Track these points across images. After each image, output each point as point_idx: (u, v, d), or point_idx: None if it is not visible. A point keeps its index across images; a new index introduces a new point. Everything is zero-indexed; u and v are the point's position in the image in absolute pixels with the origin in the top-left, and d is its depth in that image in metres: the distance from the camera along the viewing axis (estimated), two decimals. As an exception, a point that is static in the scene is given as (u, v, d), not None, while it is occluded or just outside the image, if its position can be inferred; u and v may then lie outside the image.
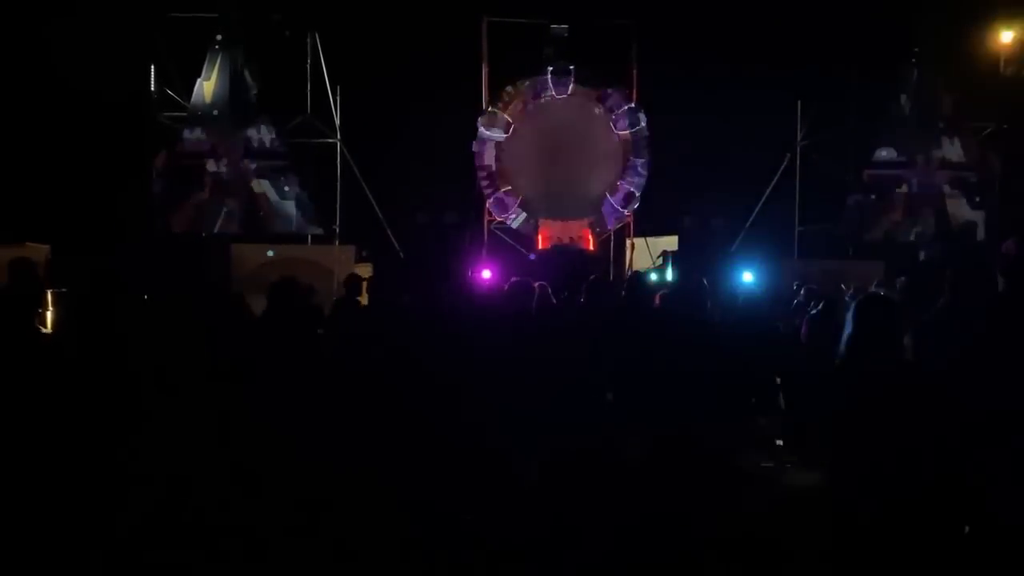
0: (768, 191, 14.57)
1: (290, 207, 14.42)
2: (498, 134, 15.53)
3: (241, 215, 14.37)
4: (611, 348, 4.52)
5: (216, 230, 14.26)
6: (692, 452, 4.09)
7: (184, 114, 14.32)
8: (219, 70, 14.25)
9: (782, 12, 13.57)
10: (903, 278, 10.34)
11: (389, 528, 4.29)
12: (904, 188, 14.77)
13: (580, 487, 4.25)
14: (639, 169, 15.55)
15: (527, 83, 15.56)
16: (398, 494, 4.37)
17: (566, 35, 15.21)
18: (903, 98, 14.81)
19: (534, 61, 15.49)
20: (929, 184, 14.75)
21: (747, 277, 10.89)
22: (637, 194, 15.50)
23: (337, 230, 14.28)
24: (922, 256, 14.21)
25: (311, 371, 4.60)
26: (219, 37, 14.22)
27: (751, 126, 13.68)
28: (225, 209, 14.35)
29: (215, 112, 14.28)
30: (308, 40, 14.11)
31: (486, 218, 15.47)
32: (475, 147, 15.48)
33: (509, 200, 15.49)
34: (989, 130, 14.73)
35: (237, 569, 3.99)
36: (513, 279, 5.22)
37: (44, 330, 5.10)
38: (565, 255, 14.59)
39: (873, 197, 14.79)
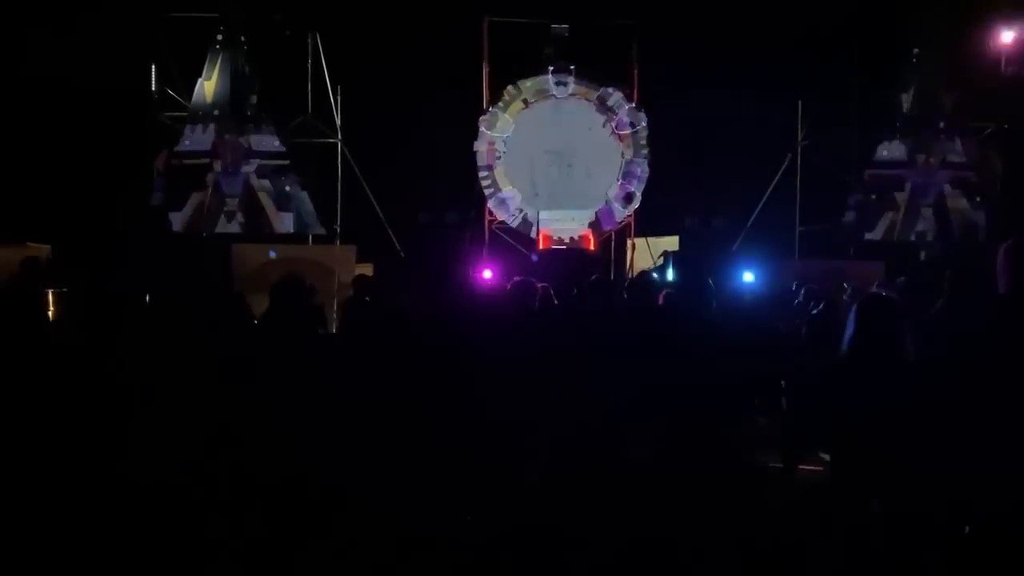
0: (769, 191, 14.56)
1: (291, 207, 14.41)
2: (499, 134, 15.54)
3: (242, 215, 14.37)
4: (616, 349, 4.52)
5: (217, 230, 14.25)
6: (697, 453, 4.09)
7: (185, 114, 14.32)
8: (220, 70, 14.25)
9: (782, 12, 13.57)
10: (902, 278, 10.34)
11: (389, 529, 4.29)
12: (905, 188, 14.76)
13: (584, 489, 4.25)
14: (640, 169, 15.57)
15: (528, 83, 15.57)
16: (399, 496, 4.37)
17: (567, 35, 15.22)
18: (904, 98, 14.81)
19: (535, 61, 15.50)
20: (930, 184, 14.74)
21: (748, 277, 10.90)
22: (638, 194, 15.52)
23: (338, 230, 14.28)
24: (922, 256, 14.20)
25: (314, 371, 4.60)
26: (220, 37, 14.22)
27: (752, 126, 13.68)
28: (226, 209, 14.35)
29: (216, 112, 14.27)
30: (309, 40, 14.12)
31: (487, 218, 15.48)
32: (476, 147, 15.49)
33: (510, 200, 15.50)
34: (990, 130, 14.73)
35: (236, 570, 4.00)
36: (516, 279, 5.22)
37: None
38: (566, 255, 14.61)
39: (874, 197, 14.79)
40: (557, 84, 15.50)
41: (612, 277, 13.86)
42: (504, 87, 15.55)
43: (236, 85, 14.27)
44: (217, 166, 14.31)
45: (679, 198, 14.82)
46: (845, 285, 9.02)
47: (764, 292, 9.48)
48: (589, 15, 14.70)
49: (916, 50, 14.61)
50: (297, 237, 14.26)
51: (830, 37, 13.50)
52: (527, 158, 15.62)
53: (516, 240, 15.48)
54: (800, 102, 14.48)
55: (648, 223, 15.46)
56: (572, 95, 15.63)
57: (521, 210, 15.51)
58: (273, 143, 14.40)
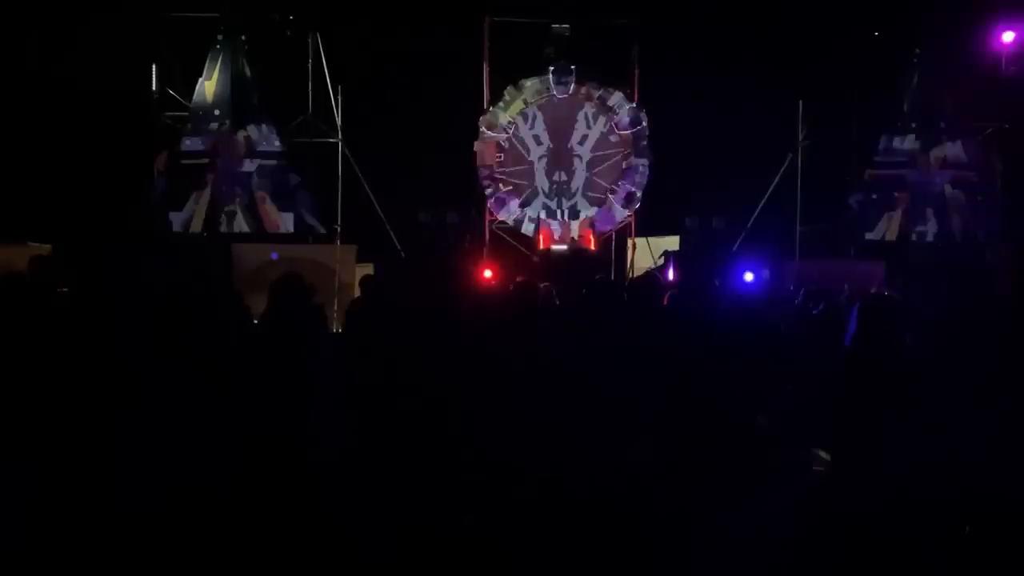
0: (769, 191, 14.56)
1: (291, 207, 14.42)
2: (499, 134, 15.54)
3: (242, 215, 14.37)
4: (622, 349, 4.52)
5: (217, 230, 14.25)
6: (702, 453, 4.09)
7: (186, 114, 14.32)
8: (220, 70, 14.25)
9: (783, 12, 13.58)
10: (899, 279, 10.35)
11: (389, 531, 4.29)
12: (905, 188, 14.76)
13: (588, 491, 4.25)
14: (640, 169, 15.56)
15: (528, 83, 15.57)
16: (400, 496, 4.37)
17: (567, 35, 15.21)
18: (904, 98, 14.81)
19: (535, 61, 15.49)
20: (930, 184, 14.74)
21: (748, 277, 10.89)
22: (638, 194, 15.52)
23: (339, 229, 14.28)
24: (924, 256, 14.19)
25: (315, 372, 4.60)
26: (220, 37, 14.22)
27: (752, 126, 13.68)
28: (226, 209, 14.35)
29: (216, 112, 14.28)
30: (309, 40, 14.12)
31: (487, 217, 15.48)
32: (476, 147, 15.49)
33: (510, 200, 15.51)
34: (990, 130, 14.73)
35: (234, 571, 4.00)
36: (518, 279, 5.22)
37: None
38: (566, 255, 14.62)
39: (874, 197, 14.79)
40: (558, 84, 15.50)
41: (613, 277, 13.85)
42: (505, 87, 15.55)
43: (237, 85, 14.27)
44: (218, 166, 14.31)
45: (679, 198, 14.81)
46: (846, 287, 9.04)
47: (763, 293, 9.47)
48: (590, 15, 14.70)
49: (917, 50, 14.60)
50: (297, 237, 14.27)
51: (831, 37, 13.51)
52: (527, 158, 15.62)
53: (516, 240, 15.49)
54: (800, 102, 14.47)
55: (648, 223, 15.46)
56: (573, 95, 15.62)
57: (521, 210, 15.52)
58: (273, 143, 14.40)
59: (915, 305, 5.02)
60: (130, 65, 13.47)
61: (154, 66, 14.04)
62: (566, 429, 4.32)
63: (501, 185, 15.55)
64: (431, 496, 4.36)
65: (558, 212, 15.54)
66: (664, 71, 14.44)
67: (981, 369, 3.73)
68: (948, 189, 14.73)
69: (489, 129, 15.52)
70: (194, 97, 14.28)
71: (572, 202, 15.63)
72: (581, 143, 15.69)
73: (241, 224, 14.34)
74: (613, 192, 15.58)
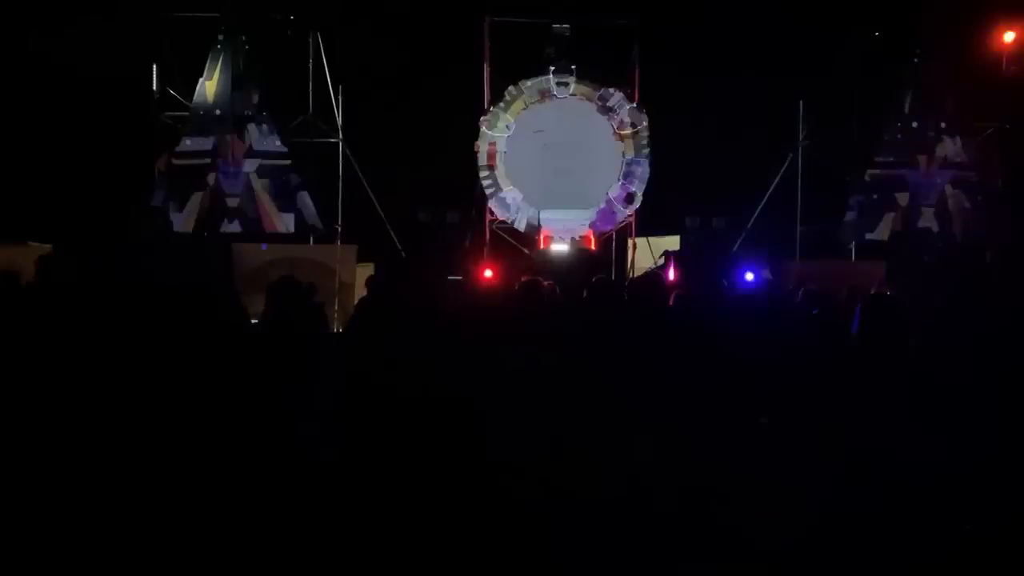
0: (770, 191, 14.56)
1: (292, 206, 14.42)
2: (500, 134, 15.54)
3: (243, 215, 14.38)
4: (628, 349, 4.52)
5: (218, 229, 14.26)
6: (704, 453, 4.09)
7: (186, 114, 14.33)
8: (221, 70, 14.25)
9: (783, 12, 13.58)
10: (899, 279, 10.35)
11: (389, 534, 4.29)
12: (906, 188, 14.76)
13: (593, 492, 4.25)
14: (640, 169, 15.57)
15: (529, 83, 15.57)
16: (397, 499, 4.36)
17: (568, 34, 15.22)
18: (905, 97, 14.80)
19: (536, 60, 15.49)
20: (931, 184, 14.74)
21: (749, 277, 10.89)
22: (639, 194, 15.52)
23: (339, 229, 14.28)
24: (924, 257, 14.19)
25: (314, 372, 4.60)
26: (221, 37, 14.23)
27: (753, 126, 13.69)
28: (227, 208, 14.36)
29: (217, 112, 14.28)
30: (310, 40, 14.13)
31: (487, 217, 15.48)
32: (477, 146, 15.49)
33: (511, 200, 15.51)
34: (991, 130, 14.72)
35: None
36: (524, 278, 5.21)
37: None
38: (567, 255, 14.62)
39: (875, 197, 14.78)
40: (558, 84, 15.50)
41: (615, 277, 13.85)
42: (505, 87, 15.55)
43: (237, 85, 14.27)
44: (218, 166, 14.32)
45: (680, 198, 14.82)
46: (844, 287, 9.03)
47: (765, 292, 9.46)
48: (590, 15, 14.71)
49: (918, 50, 14.60)
50: (298, 237, 14.27)
51: (831, 37, 13.51)
52: (528, 158, 15.61)
53: (516, 240, 15.50)
54: (801, 102, 14.48)
55: (648, 223, 15.46)
56: (573, 95, 15.62)
57: (521, 210, 15.51)
58: (274, 143, 14.40)
59: (914, 304, 5.02)
60: (131, 65, 13.47)
61: (155, 66, 14.04)
62: (570, 428, 4.32)
63: (501, 185, 15.55)
64: (429, 496, 4.35)
65: (558, 212, 15.53)
66: (665, 71, 14.44)
67: (981, 369, 3.74)
68: (948, 189, 14.73)
69: (489, 129, 15.52)
70: (195, 97, 14.28)
71: (572, 202, 15.62)
72: (581, 143, 15.68)
73: (241, 224, 14.34)
74: (613, 192, 15.58)
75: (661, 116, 15.28)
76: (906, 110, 14.80)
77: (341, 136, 14.32)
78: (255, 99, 14.40)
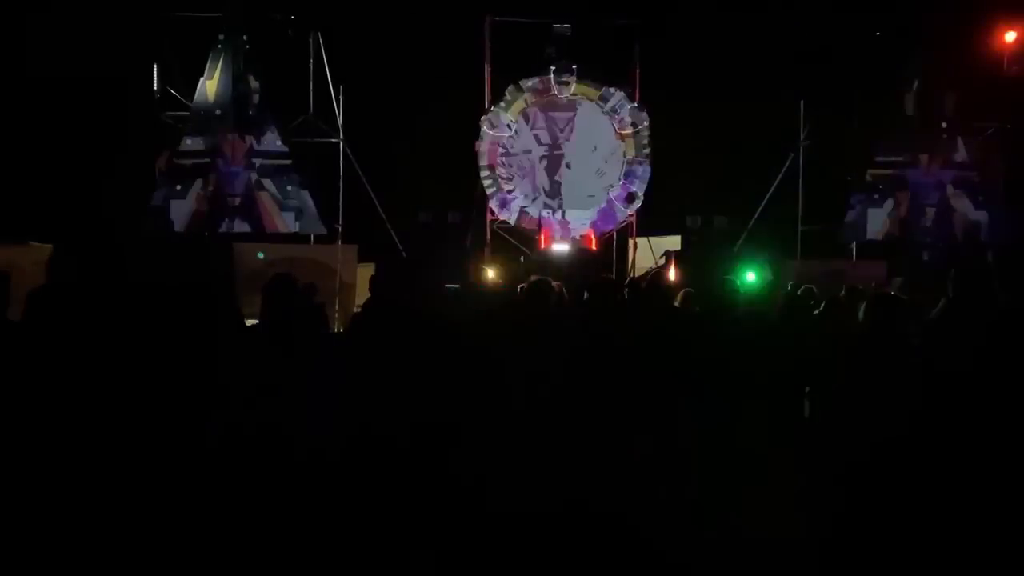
0: (771, 191, 14.55)
1: (292, 206, 14.42)
2: (500, 133, 15.54)
3: (243, 215, 14.37)
4: (636, 349, 4.52)
5: (218, 229, 14.26)
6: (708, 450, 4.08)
7: (187, 113, 14.33)
8: (222, 70, 14.25)
9: (784, 11, 13.57)
10: (899, 278, 10.31)
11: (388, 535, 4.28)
12: (907, 188, 14.75)
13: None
14: (641, 169, 15.57)
15: (530, 82, 15.57)
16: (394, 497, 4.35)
17: (569, 34, 15.22)
18: (906, 98, 14.79)
19: (537, 60, 15.50)
20: (932, 184, 14.73)
21: (750, 276, 10.87)
22: (639, 193, 15.51)
23: (340, 229, 14.27)
24: (925, 256, 14.18)
25: (313, 371, 4.58)
26: (222, 37, 14.22)
27: (753, 125, 13.67)
28: (228, 208, 14.36)
29: (218, 111, 14.28)
30: (311, 39, 14.12)
31: (488, 217, 15.48)
32: (478, 146, 15.49)
33: (511, 200, 15.51)
34: (992, 130, 14.71)
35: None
36: (533, 278, 5.20)
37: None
38: (568, 255, 14.61)
39: (876, 197, 14.77)
40: (559, 84, 15.50)
41: (614, 276, 13.83)
42: (506, 86, 15.55)
43: (238, 84, 14.27)
44: (219, 165, 14.32)
45: (680, 198, 14.81)
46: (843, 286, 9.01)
47: (766, 292, 9.43)
48: (591, 15, 14.70)
49: (918, 50, 14.58)
50: (299, 237, 14.27)
51: (832, 37, 13.50)
52: (528, 158, 15.62)
53: (517, 240, 15.50)
54: (802, 102, 14.46)
55: (649, 222, 15.45)
56: (574, 95, 15.62)
57: (521, 209, 15.51)
58: (275, 142, 14.40)
59: (916, 304, 5.01)
60: (132, 64, 13.47)
61: (155, 65, 14.05)
62: (574, 430, 4.32)
63: (502, 185, 15.55)
64: (427, 496, 4.35)
65: (559, 212, 15.54)
66: (665, 70, 14.43)
67: (982, 368, 3.73)
68: (950, 189, 14.72)
69: (490, 129, 15.52)
70: (195, 97, 14.28)
71: (573, 202, 15.63)
72: (582, 143, 15.68)
73: (242, 224, 14.35)
74: (614, 192, 15.57)
75: (662, 116, 15.27)
76: (907, 110, 14.78)
77: (342, 136, 14.32)
78: (256, 99, 14.40)
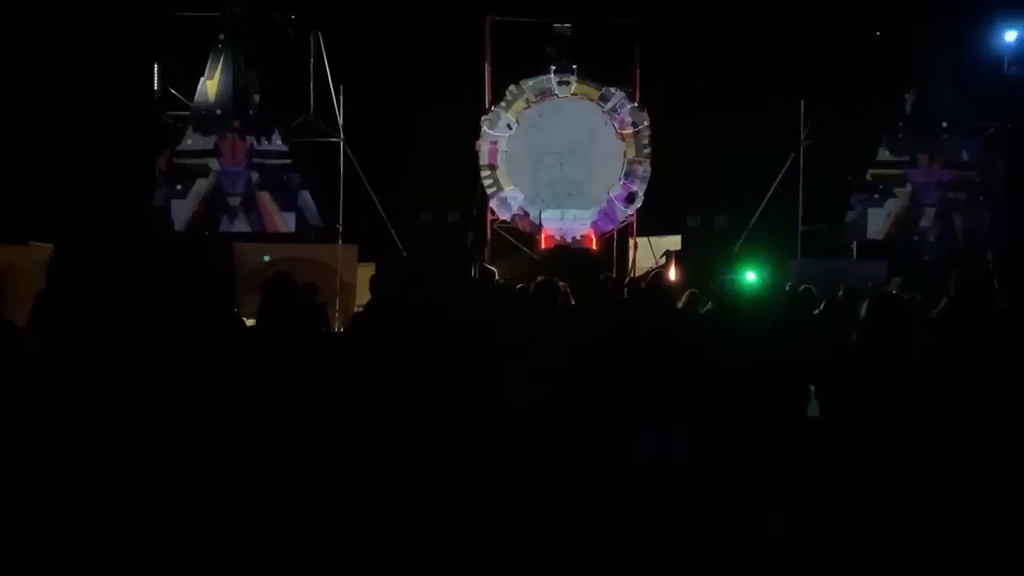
0: (771, 191, 14.55)
1: (293, 206, 14.42)
2: (501, 133, 15.54)
3: (244, 214, 14.38)
4: (643, 349, 4.52)
5: (219, 229, 14.26)
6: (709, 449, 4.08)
7: (188, 113, 14.33)
8: (222, 69, 14.26)
9: (785, 11, 13.56)
10: (899, 278, 10.28)
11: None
12: (908, 188, 14.75)
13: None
14: (642, 168, 15.56)
15: (530, 82, 15.57)
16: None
17: (569, 34, 15.22)
18: (907, 97, 14.78)
19: (537, 60, 15.49)
20: (932, 184, 14.72)
21: (750, 277, 10.86)
22: (640, 193, 15.51)
23: (340, 229, 14.27)
24: (926, 256, 14.18)
25: (312, 371, 4.59)
26: (222, 36, 14.22)
27: (754, 125, 13.67)
28: (228, 208, 14.36)
29: (218, 111, 14.28)
30: (311, 39, 14.12)
31: (489, 217, 15.48)
32: (478, 146, 15.49)
33: (512, 199, 15.51)
34: (992, 130, 14.71)
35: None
36: (540, 278, 5.20)
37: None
38: (569, 255, 14.62)
39: (876, 197, 14.77)
40: (559, 83, 15.50)
41: (615, 276, 13.83)
42: (506, 86, 15.55)
43: (239, 84, 14.27)
44: (219, 165, 14.32)
45: (681, 197, 14.80)
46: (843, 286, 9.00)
47: (767, 291, 9.42)
48: (592, 14, 14.70)
49: (918, 50, 14.58)
50: (299, 236, 14.26)
51: (833, 36, 13.49)
52: (529, 158, 15.62)
53: (518, 240, 15.50)
54: (802, 101, 14.46)
55: (650, 222, 15.45)
56: (574, 94, 15.62)
57: (520, 209, 15.51)
58: (275, 142, 14.40)
59: (916, 304, 5.01)
60: (132, 64, 13.47)
61: (156, 65, 14.05)
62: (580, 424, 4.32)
63: (503, 185, 15.54)
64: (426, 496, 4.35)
65: (559, 212, 15.52)
66: (666, 70, 14.43)
67: (982, 368, 3.73)
68: (950, 189, 14.71)
69: (491, 128, 15.52)
70: (196, 96, 14.29)
71: (573, 202, 15.62)
72: (583, 143, 15.68)
73: (242, 224, 14.35)
74: (614, 191, 15.57)
75: (663, 115, 15.27)
76: (908, 110, 14.78)
77: (342, 135, 14.31)
78: (256, 99, 14.40)
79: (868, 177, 14.80)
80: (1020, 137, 14.28)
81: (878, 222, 14.75)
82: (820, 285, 7.90)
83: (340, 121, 14.30)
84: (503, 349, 4.71)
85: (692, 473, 4.15)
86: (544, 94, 15.57)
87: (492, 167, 15.53)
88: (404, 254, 14.09)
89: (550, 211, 15.44)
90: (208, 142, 14.29)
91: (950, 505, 3.57)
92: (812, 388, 4.56)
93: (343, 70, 14.18)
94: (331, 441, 4.66)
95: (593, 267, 13.20)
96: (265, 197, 14.39)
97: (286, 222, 14.40)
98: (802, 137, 14.53)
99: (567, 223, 15.44)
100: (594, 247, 15.30)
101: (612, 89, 15.59)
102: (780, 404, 4.42)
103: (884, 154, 14.78)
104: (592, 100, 15.67)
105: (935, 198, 14.72)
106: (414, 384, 4.60)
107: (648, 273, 11.50)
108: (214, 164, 14.31)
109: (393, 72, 13.88)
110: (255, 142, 14.37)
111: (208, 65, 14.22)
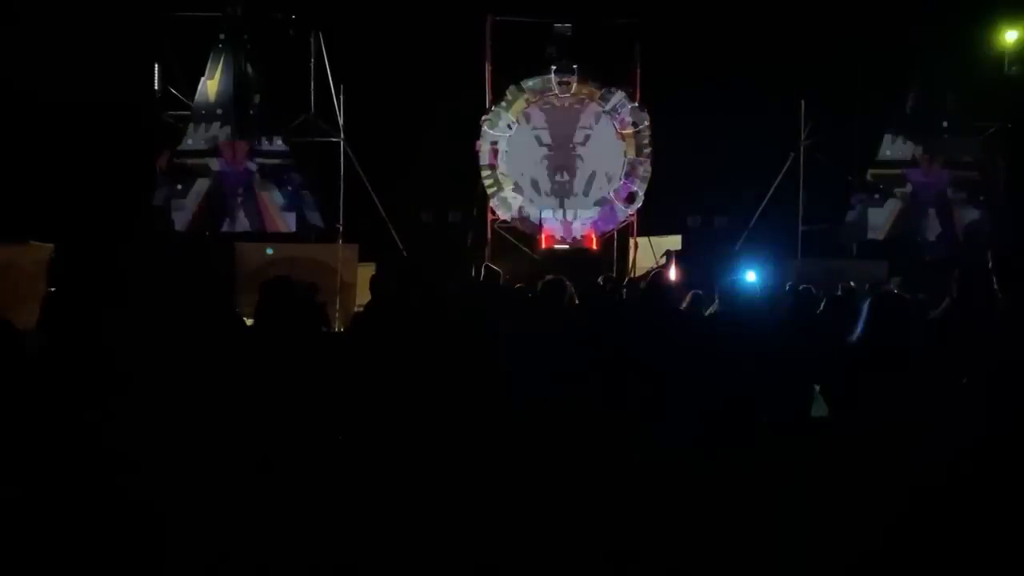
0: (772, 190, 14.55)
1: (293, 206, 14.42)
2: (501, 133, 15.54)
3: (244, 214, 14.38)
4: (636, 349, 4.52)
5: (220, 229, 14.26)
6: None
7: (188, 113, 14.33)
8: (223, 69, 14.26)
9: (785, 11, 13.57)
10: (899, 278, 10.28)
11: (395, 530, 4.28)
12: (908, 188, 14.75)
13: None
14: (642, 168, 15.57)
15: (530, 82, 15.57)
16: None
17: (569, 34, 15.22)
18: (907, 97, 14.79)
19: (537, 60, 15.50)
20: (932, 184, 14.73)
21: (750, 277, 10.85)
22: (640, 193, 15.52)
23: (341, 229, 14.28)
24: (926, 256, 14.19)
25: (313, 371, 4.59)
26: (222, 36, 14.23)
27: (754, 125, 13.67)
28: (228, 208, 14.36)
29: (219, 111, 14.29)
30: (312, 39, 14.12)
31: (489, 217, 15.48)
32: (478, 146, 15.49)
33: (512, 199, 15.51)
34: (993, 129, 14.71)
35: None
36: (548, 277, 5.21)
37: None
38: (569, 255, 14.63)
39: (876, 197, 14.78)
40: (560, 83, 15.51)
41: (616, 276, 13.83)
42: (507, 86, 15.55)
43: (239, 84, 14.28)
44: (220, 165, 14.32)
45: (681, 197, 14.81)
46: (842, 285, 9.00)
47: (768, 291, 9.42)
48: (592, 14, 14.71)
49: (920, 49, 14.58)
50: (299, 236, 14.26)
51: (833, 37, 13.49)
52: (529, 157, 15.63)
53: (518, 240, 15.50)
54: (803, 102, 14.46)
55: (650, 222, 15.45)
56: (574, 94, 15.63)
57: (520, 209, 15.52)
58: (276, 142, 14.41)
59: (917, 304, 5.01)
60: (132, 64, 13.47)
61: (156, 65, 14.05)
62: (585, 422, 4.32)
63: (503, 184, 15.55)
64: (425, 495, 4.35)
65: (560, 212, 15.54)
66: (666, 70, 14.43)
67: (983, 368, 3.73)
68: (950, 189, 14.72)
69: (491, 128, 15.52)
70: (196, 96, 14.29)
71: (574, 201, 15.63)
72: (583, 143, 15.69)
73: (243, 223, 14.35)
74: (615, 191, 15.58)
75: (663, 115, 15.27)
76: (908, 110, 14.78)
77: (343, 135, 14.31)
78: (257, 99, 14.41)
79: (868, 177, 14.81)
80: (1020, 137, 14.29)
81: (878, 222, 14.75)
82: (820, 285, 7.91)
83: (340, 121, 14.30)
84: (509, 348, 4.71)
85: (699, 473, 4.14)
86: (544, 94, 15.58)
87: (492, 167, 15.53)
88: (404, 254, 14.09)
89: (550, 211, 15.45)
90: (208, 142, 14.30)
91: (950, 505, 3.57)
92: (817, 388, 4.57)
93: (343, 70, 14.18)
94: (332, 441, 4.66)
95: (593, 267, 13.19)
96: (265, 197, 14.39)
97: (286, 222, 14.41)
98: (802, 137, 14.53)
99: (567, 223, 15.45)
100: (594, 247, 15.31)
101: (612, 89, 15.60)
102: (786, 404, 4.41)
103: (884, 154, 14.79)
104: (593, 100, 15.67)
105: (935, 198, 14.72)
106: (415, 384, 4.60)
107: (648, 273, 11.51)
108: (214, 164, 14.31)
109: (393, 72, 13.88)
110: (255, 142, 14.37)
111: (208, 65, 14.22)
